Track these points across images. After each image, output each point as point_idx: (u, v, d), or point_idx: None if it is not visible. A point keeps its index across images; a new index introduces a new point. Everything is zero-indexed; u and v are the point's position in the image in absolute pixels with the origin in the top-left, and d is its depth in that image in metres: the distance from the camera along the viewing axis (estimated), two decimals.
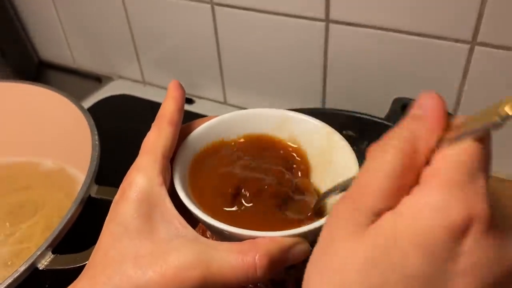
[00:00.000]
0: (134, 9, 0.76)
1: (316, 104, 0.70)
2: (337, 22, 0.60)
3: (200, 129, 0.36)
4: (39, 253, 0.38)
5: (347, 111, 0.60)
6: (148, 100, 0.82)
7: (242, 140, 0.38)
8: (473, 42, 0.53)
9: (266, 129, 0.38)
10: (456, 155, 0.21)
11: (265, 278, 0.28)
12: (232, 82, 0.76)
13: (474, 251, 0.20)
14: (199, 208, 0.31)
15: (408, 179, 0.22)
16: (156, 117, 0.33)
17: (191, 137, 0.35)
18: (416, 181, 0.22)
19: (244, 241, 0.28)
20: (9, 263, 0.49)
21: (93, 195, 0.44)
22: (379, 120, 0.60)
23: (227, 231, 0.29)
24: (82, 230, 0.42)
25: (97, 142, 0.48)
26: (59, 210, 0.55)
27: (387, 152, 0.22)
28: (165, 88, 0.85)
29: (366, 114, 0.61)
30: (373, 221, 0.21)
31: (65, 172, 0.63)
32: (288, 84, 0.70)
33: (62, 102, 0.58)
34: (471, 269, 0.20)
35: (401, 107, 0.61)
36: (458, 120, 0.22)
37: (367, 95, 0.65)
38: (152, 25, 0.76)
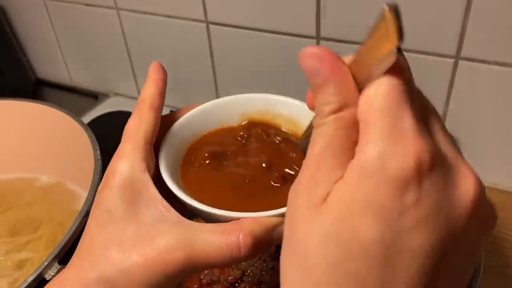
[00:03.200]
0: (131, 27, 0.78)
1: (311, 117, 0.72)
2: (327, 39, 0.63)
3: (187, 117, 0.36)
4: (46, 263, 0.39)
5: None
6: None
7: (240, 125, 0.38)
8: (457, 56, 0.56)
9: (252, 112, 0.38)
10: (375, 102, 0.20)
11: (250, 258, 0.28)
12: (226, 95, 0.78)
13: (420, 200, 0.19)
14: (185, 193, 0.31)
15: (353, 140, 0.21)
16: (137, 102, 0.33)
17: (178, 124, 0.35)
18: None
19: (228, 222, 0.28)
20: (12, 275, 0.50)
21: None
22: None
23: (211, 213, 0.29)
24: None
25: (99, 157, 0.49)
26: (61, 226, 0.56)
27: (323, 127, 0.22)
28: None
29: None
30: (328, 195, 0.21)
31: (64, 187, 0.64)
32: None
33: (61, 118, 0.60)
34: (425, 220, 0.19)
35: None
36: (354, 57, 0.22)
37: None
38: (148, 43, 0.78)
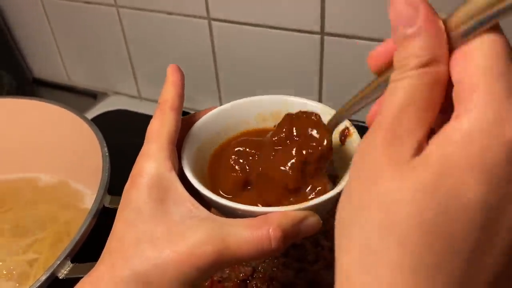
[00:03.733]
0: (131, 24, 0.77)
1: None
2: (331, 34, 0.62)
3: (206, 118, 0.37)
4: (58, 262, 0.38)
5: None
6: (145, 115, 0.83)
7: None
8: None
9: (268, 113, 0.39)
10: (482, 57, 0.19)
11: (279, 251, 0.28)
12: (229, 95, 0.78)
13: None
14: (210, 190, 0.32)
15: (436, 100, 0.20)
16: (158, 103, 0.34)
17: (198, 125, 0.37)
18: (445, 99, 0.20)
19: (257, 217, 0.29)
20: (21, 276, 0.49)
21: (106, 205, 0.45)
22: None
23: (239, 209, 0.30)
24: (98, 239, 0.42)
25: (107, 154, 0.48)
26: (66, 225, 0.55)
27: (409, 76, 0.20)
28: None
29: (363, 122, 0.63)
30: (416, 150, 0.20)
31: (67, 186, 0.64)
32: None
33: (64, 115, 0.59)
34: None
35: None
36: (449, 14, 0.20)
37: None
38: (148, 41, 0.78)
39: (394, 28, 0.21)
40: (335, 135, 0.36)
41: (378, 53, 0.24)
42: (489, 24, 0.18)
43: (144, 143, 0.32)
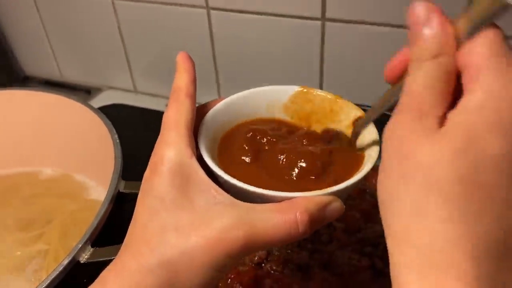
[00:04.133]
0: (127, 16, 0.76)
1: None
2: (333, 20, 0.63)
3: (219, 106, 0.37)
4: (80, 246, 0.38)
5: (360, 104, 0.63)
6: (141, 108, 0.82)
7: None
8: None
9: (281, 102, 0.40)
10: (484, 47, 0.23)
11: (306, 235, 0.29)
12: (228, 85, 0.78)
13: None
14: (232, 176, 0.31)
15: (450, 84, 0.24)
16: (172, 91, 0.34)
17: (212, 113, 0.37)
18: (457, 84, 0.24)
19: (282, 202, 0.29)
20: (33, 266, 0.48)
21: (121, 190, 0.44)
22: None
23: (263, 194, 0.30)
24: (115, 224, 0.42)
25: (117, 141, 0.48)
26: (73, 218, 0.55)
27: (425, 65, 0.24)
28: (159, 96, 0.86)
29: (366, 105, 0.64)
30: (439, 124, 0.23)
31: (70, 179, 0.63)
32: (285, 83, 0.72)
33: (67, 105, 0.58)
34: None
35: None
36: (454, 20, 0.25)
37: (364, 88, 0.68)
38: (144, 32, 0.77)
39: (412, 27, 0.25)
40: (349, 123, 0.37)
41: (394, 64, 0.28)
42: (486, 23, 0.23)
43: (162, 131, 0.32)
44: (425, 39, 0.25)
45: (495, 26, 0.24)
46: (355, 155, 0.36)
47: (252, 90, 0.39)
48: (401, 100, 0.25)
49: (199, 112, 0.36)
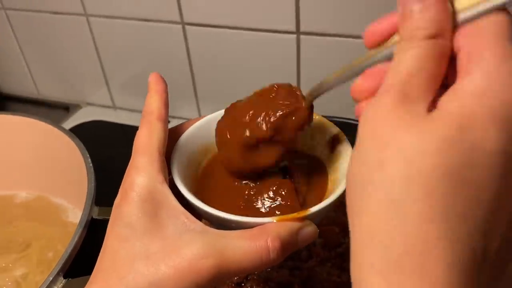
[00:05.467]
0: (102, 33, 0.76)
1: None
2: (307, 33, 0.63)
3: (193, 128, 0.36)
4: (51, 278, 0.37)
5: (325, 116, 0.63)
6: (120, 124, 0.82)
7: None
8: None
9: None
10: (490, 33, 0.20)
11: (278, 262, 0.28)
12: (206, 100, 0.77)
13: None
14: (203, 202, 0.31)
15: (443, 64, 0.21)
16: (143, 114, 0.33)
17: (186, 136, 0.36)
18: (448, 67, 0.22)
19: (254, 228, 0.28)
20: None
21: (95, 216, 0.44)
22: (357, 123, 0.63)
23: (234, 221, 0.29)
24: (89, 252, 0.41)
25: (90, 165, 0.47)
26: (51, 240, 0.54)
27: (417, 41, 0.22)
28: (138, 111, 0.85)
29: (344, 118, 0.64)
30: (427, 109, 0.21)
31: (47, 201, 0.62)
32: None
33: (39, 128, 0.57)
34: None
35: None
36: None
37: (342, 101, 0.68)
38: (121, 48, 0.76)
39: (403, 2, 0.22)
40: (324, 142, 0.37)
41: (375, 29, 0.25)
42: (491, 12, 0.20)
43: (133, 156, 0.31)
44: (418, 17, 0.22)
45: (504, 9, 0.20)
46: (327, 177, 0.36)
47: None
48: (385, 81, 0.22)
49: (172, 135, 0.35)
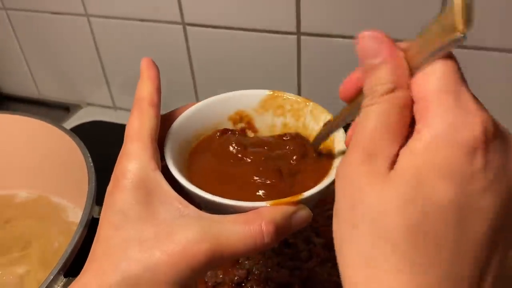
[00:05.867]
0: (103, 33, 0.76)
1: None
2: (308, 34, 0.63)
3: (187, 114, 0.36)
4: (52, 277, 0.37)
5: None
6: (120, 125, 0.82)
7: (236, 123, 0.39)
8: None
9: (249, 108, 0.39)
10: (435, 79, 0.22)
11: (272, 245, 0.28)
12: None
13: (488, 164, 0.21)
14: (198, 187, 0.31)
15: (405, 121, 0.23)
16: (135, 99, 0.33)
17: (179, 122, 0.36)
18: (411, 118, 0.23)
19: (248, 212, 0.29)
20: None
21: (95, 216, 0.44)
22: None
23: (229, 205, 0.29)
24: (89, 251, 0.41)
25: (91, 164, 0.47)
26: (52, 239, 0.54)
27: (378, 102, 0.23)
28: None
29: None
30: (390, 165, 0.22)
31: (47, 201, 0.62)
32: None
33: (39, 127, 0.57)
34: (492, 183, 0.21)
35: None
36: (408, 45, 0.24)
37: (342, 101, 0.68)
38: (122, 48, 0.76)
39: (361, 60, 0.25)
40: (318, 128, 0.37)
41: (348, 82, 0.27)
42: (439, 54, 0.22)
43: (124, 142, 0.31)
44: (376, 75, 0.24)
45: (450, 56, 0.22)
46: (322, 163, 0.36)
47: (220, 96, 0.38)
48: (353, 139, 0.24)
49: (166, 121, 0.35)
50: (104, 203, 0.30)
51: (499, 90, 0.57)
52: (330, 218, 0.56)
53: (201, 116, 0.37)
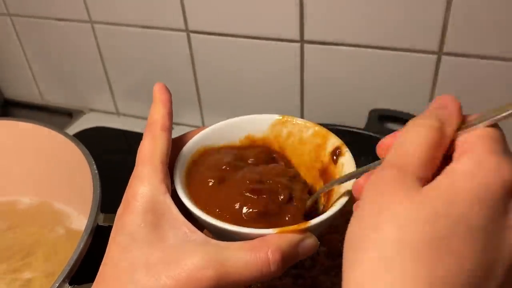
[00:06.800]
0: (106, 40, 0.76)
1: None
2: (311, 42, 0.63)
3: (198, 138, 0.37)
4: (57, 285, 0.37)
5: (327, 124, 0.63)
6: (124, 131, 0.82)
7: (239, 145, 0.39)
8: (440, 52, 0.58)
9: (259, 132, 0.39)
10: (486, 132, 0.24)
11: (278, 274, 0.28)
12: (210, 107, 0.77)
13: None
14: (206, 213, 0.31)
15: (439, 153, 0.24)
16: (147, 123, 0.33)
17: (189, 146, 0.36)
18: (443, 156, 0.24)
19: (254, 239, 0.29)
20: None
21: (100, 223, 0.44)
22: (359, 131, 0.64)
23: (235, 232, 0.29)
24: (94, 259, 0.41)
25: (96, 172, 0.47)
26: (55, 246, 0.54)
27: (422, 128, 0.25)
28: (142, 118, 0.86)
29: (345, 126, 0.64)
30: (421, 186, 0.23)
31: (50, 207, 0.62)
32: (266, 104, 0.73)
33: (43, 134, 0.57)
34: None
35: (377, 117, 0.65)
36: (470, 117, 0.26)
37: (344, 109, 0.68)
38: (125, 55, 0.77)
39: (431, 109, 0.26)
40: (328, 154, 0.37)
41: (386, 142, 0.28)
42: (491, 121, 0.24)
43: (136, 165, 0.32)
44: (431, 110, 0.25)
45: (497, 126, 0.24)
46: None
47: (229, 120, 0.39)
48: (388, 156, 0.25)
49: (176, 144, 0.35)
50: (114, 225, 0.30)
51: (500, 97, 0.58)
52: (333, 227, 0.56)
53: (211, 140, 0.38)
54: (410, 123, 0.26)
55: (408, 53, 0.59)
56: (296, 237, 0.29)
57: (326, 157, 0.37)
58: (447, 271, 0.21)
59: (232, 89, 0.73)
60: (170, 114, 0.34)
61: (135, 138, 0.80)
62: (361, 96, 0.66)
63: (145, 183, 0.30)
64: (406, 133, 0.25)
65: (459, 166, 0.23)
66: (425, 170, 0.24)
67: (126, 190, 0.31)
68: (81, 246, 0.40)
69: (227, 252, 0.28)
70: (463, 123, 0.26)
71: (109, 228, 0.44)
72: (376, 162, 0.28)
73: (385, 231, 0.22)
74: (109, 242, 0.30)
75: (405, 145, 0.25)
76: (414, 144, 0.24)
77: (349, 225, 0.25)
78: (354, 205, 0.27)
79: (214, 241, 0.29)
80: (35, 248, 0.55)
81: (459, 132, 0.25)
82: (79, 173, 0.52)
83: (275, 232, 0.29)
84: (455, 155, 0.24)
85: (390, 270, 0.22)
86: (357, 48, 0.61)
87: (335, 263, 0.51)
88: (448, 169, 0.23)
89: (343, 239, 0.55)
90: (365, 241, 0.23)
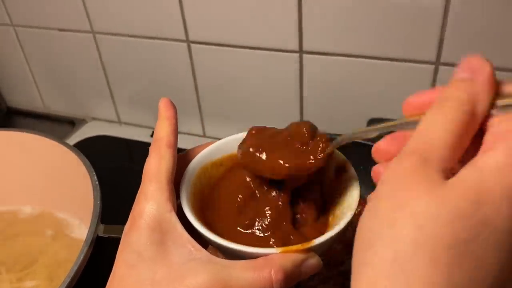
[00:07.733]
0: (108, 50, 0.77)
1: None
2: (310, 52, 0.64)
3: (203, 154, 0.37)
4: None
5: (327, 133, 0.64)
6: (126, 139, 0.82)
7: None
8: (437, 62, 0.58)
9: None
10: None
11: None
12: (210, 116, 0.78)
13: None
14: (210, 231, 0.32)
15: (467, 139, 0.22)
16: (153, 140, 0.33)
17: (194, 162, 0.36)
18: (471, 142, 0.22)
19: (258, 258, 0.29)
20: None
21: (100, 234, 0.44)
22: (358, 140, 0.64)
23: (239, 250, 0.30)
24: (95, 269, 0.42)
25: (96, 182, 0.48)
26: (57, 256, 0.54)
27: (449, 109, 0.22)
28: (144, 126, 0.86)
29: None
30: (445, 176, 0.21)
31: (51, 217, 0.62)
32: (266, 113, 0.73)
33: (44, 144, 0.58)
34: None
35: None
36: (506, 85, 0.23)
37: (342, 118, 0.69)
38: (127, 65, 0.77)
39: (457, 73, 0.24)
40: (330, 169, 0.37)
41: (414, 101, 0.26)
42: None
43: (142, 183, 0.32)
44: (459, 84, 0.23)
45: None
46: (330, 208, 0.36)
47: (234, 136, 0.38)
48: (409, 143, 0.23)
49: (182, 161, 0.36)
50: (120, 242, 0.31)
51: None
52: None
53: (216, 156, 0.38)
54: (436, 104, 0.23)
55: (406, 63, 0.60)
56: (299, 256, 0.29)
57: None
58: (465, 278, 0.20)
59: (233, 98, 0.74)
60: (176, 131, 0.34)
61: (136, 147, 0.81)
62: (359, 105, 0.66)
63: (151, 201, 0.31)
64: (431, 115, 0.23)
65: (490, 160, 0.21)
66: (450, 159, 0.22)
67: (132, 208, 0.31)
68: (81, 257, 0.41)
69: (231, 271, 0.28)
70: (497, 96, 0.22)
71: (109, 239, 0.45)
72: (403, 120, 0.26)
73: (402, 229, 0.21)
74: (116, 258, 0.30)
75: (429, 131, 0.22)
76: (440, 130, 0.22)
77: (361, 217, 0.23)
78: (368, 197, 0.25)
79: (218, 260, 0.29)
80: (36, 257, 0.55)
81: (492, 112, 0.22)
82: (80, 182, 0.52)
83: (279, 251, 0.29)
84: (486, 140, 0.22)
85: (404, 272, 0.20)
86: (356, 59, 0.62)
87: (334, 272, 0.51)
88: (477, 160, 0.21)
89: (342, 248, 0.56)
90: (379, 238, 0.22)
